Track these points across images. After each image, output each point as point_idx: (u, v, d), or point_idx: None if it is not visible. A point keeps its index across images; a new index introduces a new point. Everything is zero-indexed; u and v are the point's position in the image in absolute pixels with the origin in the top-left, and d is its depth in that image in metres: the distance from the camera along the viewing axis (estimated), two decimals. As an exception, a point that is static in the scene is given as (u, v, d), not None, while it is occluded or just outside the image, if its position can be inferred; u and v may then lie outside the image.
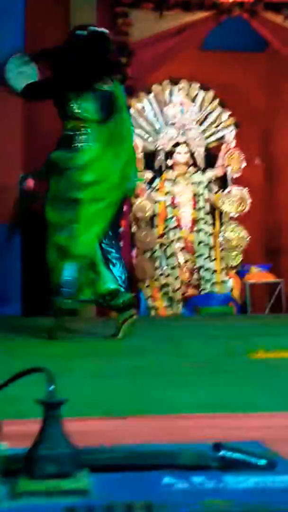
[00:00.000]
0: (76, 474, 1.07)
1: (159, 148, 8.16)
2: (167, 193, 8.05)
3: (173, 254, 7.94)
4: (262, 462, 1.15)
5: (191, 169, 8.13)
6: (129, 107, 7.48)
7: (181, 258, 7.94)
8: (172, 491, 1.04)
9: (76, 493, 1.03)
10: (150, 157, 8.19)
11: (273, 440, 1.94)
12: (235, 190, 8.13)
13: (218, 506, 0.97)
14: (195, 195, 8.10)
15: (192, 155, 8.15)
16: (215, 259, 8.00)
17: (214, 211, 8.12)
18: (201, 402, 2.37)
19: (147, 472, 1.13)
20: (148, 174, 8.11)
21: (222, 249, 8.05)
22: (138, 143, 8.06)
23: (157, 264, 7.95)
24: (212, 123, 8.25)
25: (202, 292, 7.87)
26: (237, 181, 8.24)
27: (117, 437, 1.83)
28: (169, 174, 8.12)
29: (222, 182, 8.27)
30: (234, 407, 2.28)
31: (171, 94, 8.21)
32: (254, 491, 1.04)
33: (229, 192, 8.14)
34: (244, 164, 8.16)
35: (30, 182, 6.00)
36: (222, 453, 1.16)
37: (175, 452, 1.16)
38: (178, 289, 7.85)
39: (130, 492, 1.04)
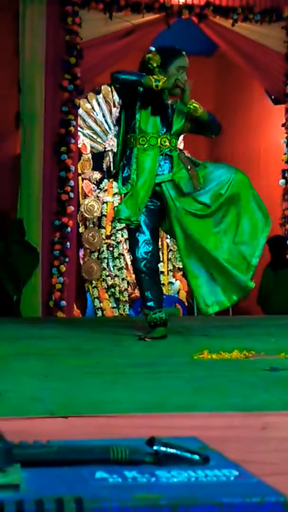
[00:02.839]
0: (7, 469, 1.06)
1: (107, 149, 8.17)
2: (115, 194, 8.05)
3: (120, 255, 7.94)
4: (196, 457, 1.16)
5: (139, 170, 8.16)
6: (77, 107, 7.48)
7: (128, 259, 7.95)
8: (104, 486, 1.04)
9: (6, 488, 1.02)
10: (98, 157, 8.19)
11: (211, 439, 1.96)
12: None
13: (149, 500, 0.97)
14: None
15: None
16: (162, 261, 8.03)
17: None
18: (142, 402, 2.38)
19: (80, 467, 1.13)
20: (96, 175, 8.10)
21: (169, 251, 8.09)
22: (87, 143, 8.06)
23: (104, 265, 7.95)
24: (161, 125, 8.29)
25: (149, 294, 7.89)
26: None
27: (58, 437, 1.82)
28: (119, 175, 8.12)
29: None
30: (174, 407, 2.28)
31: (120, 95, 8.22)
32: (186, 485, 1.05)
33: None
34: (192, 167, 8.21)
35: None
36: (155, 448, 1.16)
37: (109, 447, 1.16)
38: (125, 290, 7.86)
39: (62, 487, 1.04)
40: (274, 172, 8.30)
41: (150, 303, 4.57)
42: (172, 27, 7.77)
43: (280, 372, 3.02)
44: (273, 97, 8.28)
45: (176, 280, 8.07)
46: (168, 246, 8.07)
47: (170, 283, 8.02)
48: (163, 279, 7.97)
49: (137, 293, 7.92)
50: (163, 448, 1.15)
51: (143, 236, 4.52)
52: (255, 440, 2.04)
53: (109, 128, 8.18)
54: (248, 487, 1.04)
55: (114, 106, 8.19)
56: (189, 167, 4.56)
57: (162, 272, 8.00)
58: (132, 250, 4.66)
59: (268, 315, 7.45)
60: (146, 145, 4.54)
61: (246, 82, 8.83)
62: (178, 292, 8.02)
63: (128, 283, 7.90)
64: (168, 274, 8.04)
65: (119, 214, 4.51)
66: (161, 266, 8.00)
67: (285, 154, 8.08)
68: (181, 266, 8.10)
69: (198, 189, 4.51)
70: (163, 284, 7.96)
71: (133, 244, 4.61)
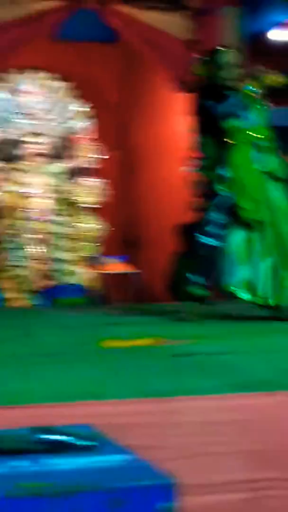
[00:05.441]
0: None
1: (12, 138, 8.05)
2: (20, 183, 7.96)
3: (27, 245, 7.86)
4: (86, 443, 1.15)
5: (45, 159, 8.09)
6: None
7: (35, 249, 7.88)
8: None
9: None
10: (2, 146, 8.07)
11: (119, 426, 1.95)
12: (90, 181, 8.16)
13: (36, 489, 0.96)
14: (49, 186, 8.06)
15: (46, 145, 8.10)
16: (70, 250, 7.99)
17: (69, 202, 8.10)
18: (52, 392, 2.36)
19: None
20: (0, 164, 7.99)
21: (77, 240, 8.05)
22: (-12, 132, 7.94)
23: (10, 255, 7.86)
24: (66, 114, 8.23)
25: (57, 283, 7.85)
26: (93, 172, 8.27)
27: None
28: (23, 164, 8.03)
29: (77, 173, 8.28)
30: (84, 395, 2.27)
31: (24, 83, 8.12)
32: (75, 472, 1.04)
33: (84, 183, 8.15)
34: (99, 156, 8.20)
35: None
36: (44, 436, 1.15)
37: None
38: (32, 280, 7.79)
39: None
40: (179, 160, 8.35)
41: None
42: (76, 15, 7.71)
43: (188, 358, 3.05)
44: (178, 85, 8.32)
45: (85, 269, 8.05)
46: (77, 235, 8.04)
47: (80, 272, 7.99)
48: (72, 268, 7.94)
49: (45, 283, 7.86)
50: (53, 437, 1.14)
51: None
52: (163, 425, 2.05)
53: (14, 116, 8.07)
54: (138, 471, 1.04)
55: (19, 94, 8.08)
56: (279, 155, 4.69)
57: (72, 262, 7.97)
58: None
59: (179, 301, 7.49)
60: (235, 142, 4.65)
61: (151, 70, 8.84)
62: (88, 282, 8.00)
63: (36, 273, 7.83)
64: (77, 263, 8.01)
65: (248, 217, 4.57)
66: (70, 256, 7.97)
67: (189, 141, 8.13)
68: (90, 256, 8.09)
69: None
70: (72, 274, 7.93)
71: None
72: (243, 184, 4.54)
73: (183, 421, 2.07)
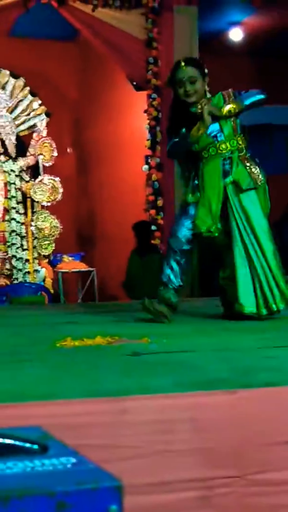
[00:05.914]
0: None
1: None
2: None
3: (-17, 244, 7.80)
4: (34, 446, 1.13)
5: (2, 157, 8.01)
6: None
7: None
8: None
9: None
10: None
11: (70, 427, 1.93)
12: (47, 179, 8.12)
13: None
14: (7, 184, 7.99)
15: (3, 143, 8.03)
16: (27, 248, 7.94)
17: (26, 200, 8.05)
18: (2, 392, 2.32)
19: None
20: None
21: (34, 239, 8.01)
22: None
23: None
24: (23, 111, 8.17)
25: (15, 282, 7.79)
26: (49, 170, 8.23)
27: None
28: (-21, 162, 7.96)
29: (34, 171, 8.23)
30: (35, 397, 2.24)
31: (-20, 80, 8.04)
32: (21, 476, 1.02)
33: (41, 181, 8.11)
34: (55, 153, 8.15)
35: None
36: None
37: None
38: None
39: None
40: (137, 158, 8.36)
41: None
42: (32, 11, 7.67)
43: (141, 357, 3.03)
44: (135, 83, 8.33)
45: (41, 268, 8.01)
46: (33, 233, 7.98)
47: (36, 271, 7.95)
48: (28, 267, 7.89)
49: (2, 281, 7.80)
50: (-1, 439, 1.11)
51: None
52: (116, 425, 2.03)
53: None
54: (84, 474, 1.03)
55: None
56: (248, 164, 4.57)
57: (28, 260, 7.92)
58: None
59: (133, 300, 7.50)
60: (207, 156, 4.57)
61: (109, 68, 8.83)
62: (43, 280, 7.96)
63: None
64: (33, 262, 7.96)
65: (199, 228, 4.49)
66: (26, 254, 7.92)
67: (148, 140, 8.15)
68: (46, 254, 8.05)
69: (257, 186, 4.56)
70: (28, 272, 7.88)
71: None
72: (208, 201, 4.52)
73: (137, 420, 2.05)
